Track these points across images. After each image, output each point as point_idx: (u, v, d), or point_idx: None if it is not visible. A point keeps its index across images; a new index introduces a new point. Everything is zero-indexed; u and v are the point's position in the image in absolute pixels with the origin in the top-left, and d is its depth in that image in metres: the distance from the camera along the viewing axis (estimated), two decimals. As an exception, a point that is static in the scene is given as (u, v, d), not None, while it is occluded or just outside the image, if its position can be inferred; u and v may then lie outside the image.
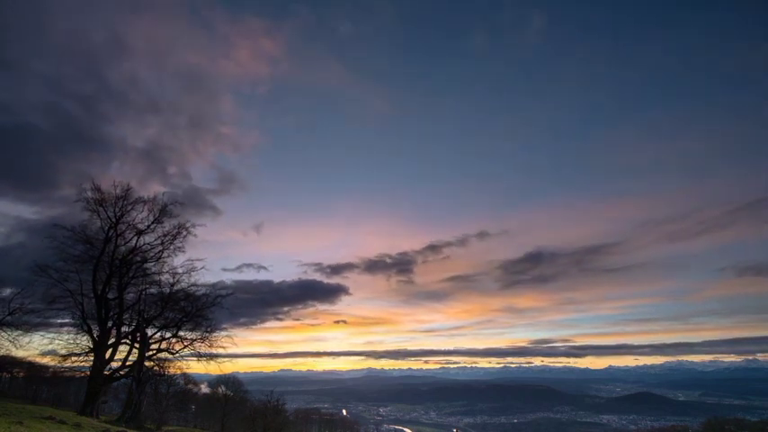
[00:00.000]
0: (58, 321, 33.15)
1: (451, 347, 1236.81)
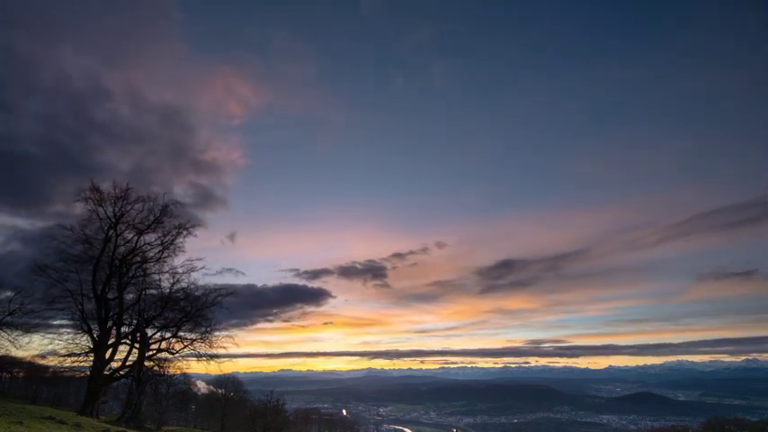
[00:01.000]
0: (58, 321, 33.19)
1: (447, 348, 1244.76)
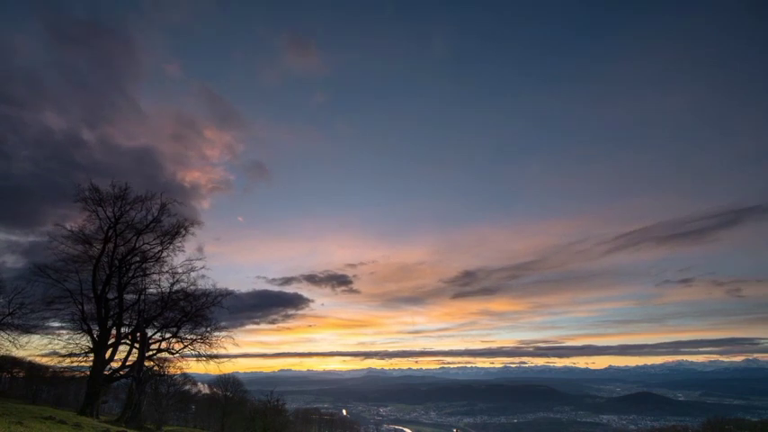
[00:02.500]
0: (58, 322, 33.20)
1: (444, 348, 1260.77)
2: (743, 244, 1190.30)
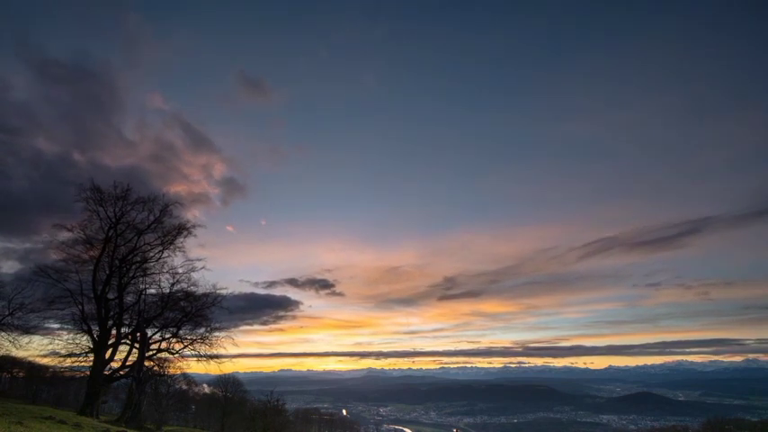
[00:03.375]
0: (58, 322, 33.19)
1: (438, 348, 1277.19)
2: (708, 249, 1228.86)
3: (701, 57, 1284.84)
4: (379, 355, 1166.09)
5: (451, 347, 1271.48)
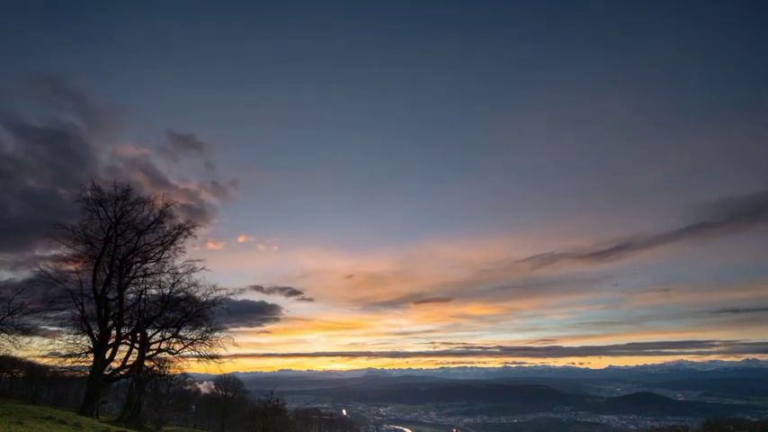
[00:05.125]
0: (59, 322, 33.17)
1: (431, 349, 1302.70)
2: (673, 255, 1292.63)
3: (611, 98, 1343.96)
4: (370, 354, 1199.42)
5: (444, 348, 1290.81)
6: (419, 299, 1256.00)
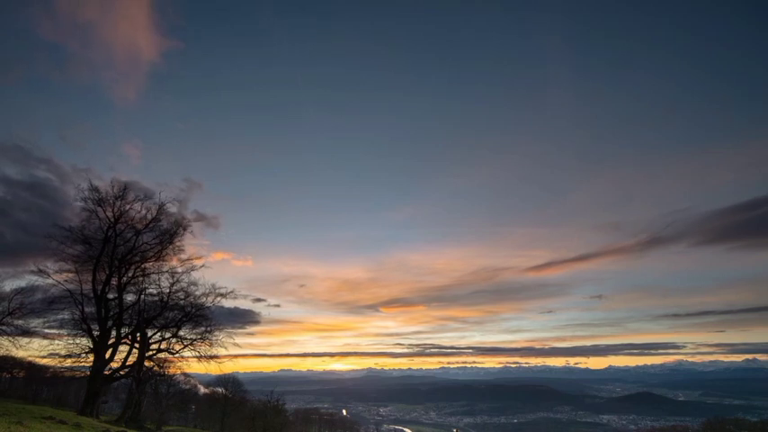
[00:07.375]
0: (58, 322, 33.17)
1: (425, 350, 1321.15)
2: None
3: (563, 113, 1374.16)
4: (364, 354, 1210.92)
5: (436, 349, 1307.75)
6: (399, 303, 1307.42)
